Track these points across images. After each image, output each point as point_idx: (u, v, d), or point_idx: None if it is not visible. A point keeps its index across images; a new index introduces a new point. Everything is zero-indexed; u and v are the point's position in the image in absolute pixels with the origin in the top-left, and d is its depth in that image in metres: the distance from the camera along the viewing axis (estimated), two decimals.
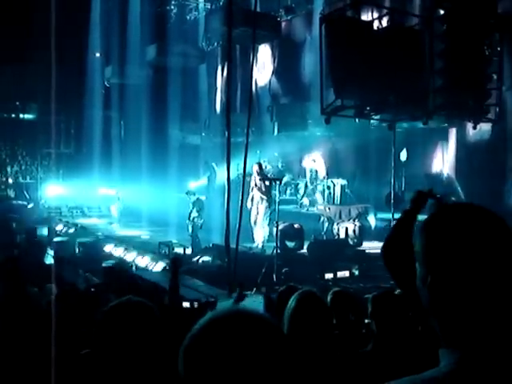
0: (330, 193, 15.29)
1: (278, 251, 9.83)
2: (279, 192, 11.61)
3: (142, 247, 13.15)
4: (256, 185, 11.74)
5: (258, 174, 11.73)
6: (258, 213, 11.80)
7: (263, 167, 12.40)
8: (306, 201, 15.79)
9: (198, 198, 12.99)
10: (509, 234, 1.07)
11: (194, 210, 12.73)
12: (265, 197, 11.70)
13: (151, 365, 1.76)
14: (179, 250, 11.84)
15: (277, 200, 10.40)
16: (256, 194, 11.77)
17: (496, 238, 1.05)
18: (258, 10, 14.03)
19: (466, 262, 1.04)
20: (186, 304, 6.74)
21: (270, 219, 11.65)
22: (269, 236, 11.68)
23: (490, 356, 1.02)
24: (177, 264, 7.62)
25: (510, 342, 1.03)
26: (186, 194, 13.43)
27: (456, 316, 1.05)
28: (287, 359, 1.02)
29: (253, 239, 11.98)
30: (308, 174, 16.42)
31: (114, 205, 18.43)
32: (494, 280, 1.04)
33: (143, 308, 1.85)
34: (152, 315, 1.84)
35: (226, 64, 14.83)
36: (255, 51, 14.32)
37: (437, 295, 1.07)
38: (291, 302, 2.39)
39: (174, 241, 12.33)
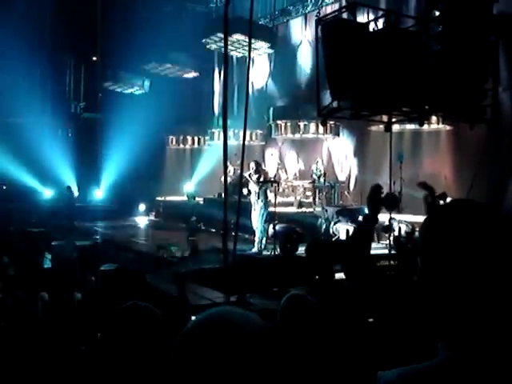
0: (327, 194, 15.30)
1: (276, 253, 9.83)
2: (275, 194, 11.62)
3: (140, 250, 13.16)
4: (252, 180, 11.74)
5: (255, 172, 11.77)
6: (254, 209, 11.80)
7: (261, 166, 12.40)
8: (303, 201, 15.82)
9: (198, 202, 13.01)
10: (508, 229, 1.07)
11: (194, 214, 12.75)
12: (262, 195, 11.68)
13: (155, 369, 1.76)
14: (177, 254, 11.83)
15: (275, 201, 10.37)
16: (253, 188, 11.75)
17: (494, 235, 1.06)
18: (254, 13, 14.04)
19: (461, 258, 1.05)
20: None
21: (266, 220, 11.64)
22: (264, 237, 11.67)
23: (480, 351, 1.03)
24: (182, 280, 7.53)
25: (500, 339, 1.04)
26: (187, 196, 13.44)
27: (450, 311, 1.06)
28: (275, 359, 1.02)
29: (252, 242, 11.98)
30: (307, 176, 16.44)
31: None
32: (488, 275, 1.04)
33: (149, 313, 1.86)
34: (157, 320, 1.85)
35: (223, 68, 14.80)
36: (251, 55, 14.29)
37: (432, 290, 1.09)
38: (282, 305, 2.40)
39: (172, 244, 12.31)
